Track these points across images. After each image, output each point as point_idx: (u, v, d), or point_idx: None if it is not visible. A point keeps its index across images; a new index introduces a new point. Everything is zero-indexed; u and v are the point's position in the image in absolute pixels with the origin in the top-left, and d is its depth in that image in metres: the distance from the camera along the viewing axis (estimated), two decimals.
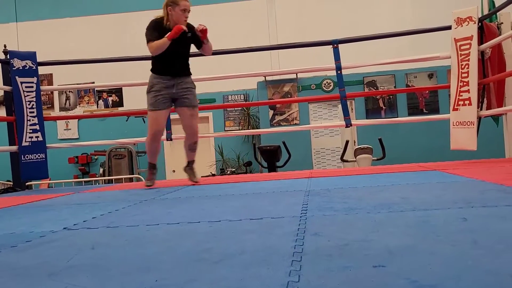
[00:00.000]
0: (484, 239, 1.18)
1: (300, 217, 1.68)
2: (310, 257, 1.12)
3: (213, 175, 8.83)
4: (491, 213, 1.53)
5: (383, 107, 8.89)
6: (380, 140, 6.72)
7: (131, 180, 7.84)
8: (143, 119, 9.86)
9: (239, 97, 9.81)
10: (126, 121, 9.74)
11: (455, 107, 3.84)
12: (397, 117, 8.46)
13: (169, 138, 4.22)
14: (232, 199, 2.47)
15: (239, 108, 9.87)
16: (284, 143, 6.99)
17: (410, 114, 8.67)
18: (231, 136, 9.46)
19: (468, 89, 3.69)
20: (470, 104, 3.68)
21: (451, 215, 1.53)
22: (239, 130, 9.53)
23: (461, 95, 3.76)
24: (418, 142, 8.34)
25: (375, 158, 6.62)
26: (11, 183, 4.43)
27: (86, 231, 1.72)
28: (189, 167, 3.47)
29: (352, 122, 4.39)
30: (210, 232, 1.55)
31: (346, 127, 4.38)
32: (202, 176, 7.11)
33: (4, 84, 4.18)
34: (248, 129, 9.34)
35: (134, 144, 9.01)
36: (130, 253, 1.31)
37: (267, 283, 0.94)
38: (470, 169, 3.16)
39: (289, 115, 9.13)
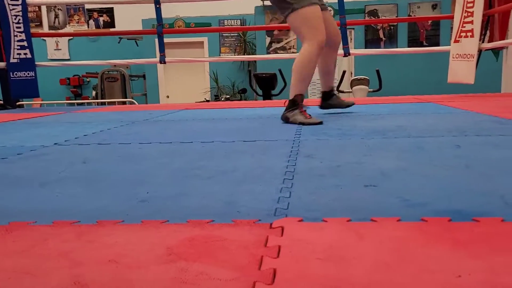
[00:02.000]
0: (476, 164, 1.19)
1: (293, 140, 1.68)
2: (302, 176, 1.12)
3: (207, 101, 8.77)
4: (484, 141, 1.53)
5: (383, 38, 8.66)
6: (377, 71, 6.62)
7: (124, 103, 7.78)
8: (136, 41, 9.58)
9: (235, 22, 9.49)
10: (119, 43, 9.46)
11: (457, 39, 3.74)
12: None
13: (162, 61, 4.10)
14: (225, 123, 2.46)
15: (235, 34, 9.57)
16: (280, 71, 6.86)
17: (410, 47, 8.47)
18: (227, 61, 9.25)
19: (472, 20, 3.57)
20: (472, 36, 3.58)
21: (445, 142, 1.53)
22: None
23: (464, 26, 3.65)
24: (416, 75, 8.23)
25: (371, 89, 6.57)
26: (1, 101, 4.36)
27: (78, 147, 1.71)
28: (335, 95, 2.78)
29: (351, 52, 4.28)
30: (203, 152, 1.55)
31: (344, 56, 4.27)
32: (196, 102, 7.04)
33: None
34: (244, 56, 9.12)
35: (127, 67, 8.82)
36: (122, 167, 1.31)
37: (258, 198, 0.94)
38: (465, 102, 3.15)
39: (286, 43, 8.89)
